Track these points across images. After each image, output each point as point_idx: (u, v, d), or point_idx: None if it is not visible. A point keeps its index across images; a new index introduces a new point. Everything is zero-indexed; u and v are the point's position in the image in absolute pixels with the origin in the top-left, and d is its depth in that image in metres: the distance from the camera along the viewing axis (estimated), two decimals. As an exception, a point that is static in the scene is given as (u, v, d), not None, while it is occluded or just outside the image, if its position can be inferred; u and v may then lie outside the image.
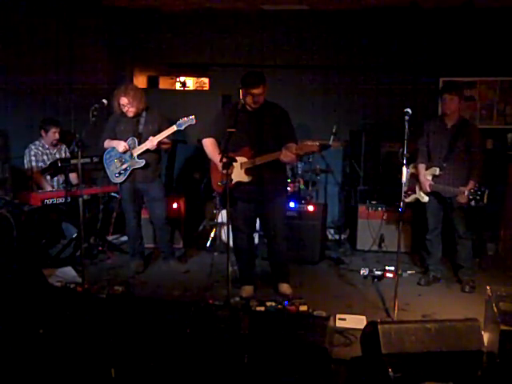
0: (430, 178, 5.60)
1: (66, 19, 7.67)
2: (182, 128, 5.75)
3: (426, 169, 5.65)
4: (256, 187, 5.06)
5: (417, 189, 5.79)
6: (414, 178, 5.82)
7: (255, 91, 4.91)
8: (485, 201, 5.16)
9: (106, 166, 6.08)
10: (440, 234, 5.80)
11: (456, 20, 7.60)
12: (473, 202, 5.19)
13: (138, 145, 5.87)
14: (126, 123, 5.97)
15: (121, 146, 5.88)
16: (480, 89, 7.79)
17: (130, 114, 5.89)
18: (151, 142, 5.77)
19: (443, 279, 5.90)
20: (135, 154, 5.87)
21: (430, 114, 7.73)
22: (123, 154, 5.92)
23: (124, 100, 5.80)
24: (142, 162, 5.87)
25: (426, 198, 5.69)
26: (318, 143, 4.73)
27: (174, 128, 5.75)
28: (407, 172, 4.84)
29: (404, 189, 5.77)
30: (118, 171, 5.97)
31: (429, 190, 5.58)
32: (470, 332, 3.63)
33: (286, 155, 4.76)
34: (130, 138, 5.90)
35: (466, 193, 5.20)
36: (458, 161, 5.49)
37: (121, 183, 6.03)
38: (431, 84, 7.92)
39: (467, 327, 3.66)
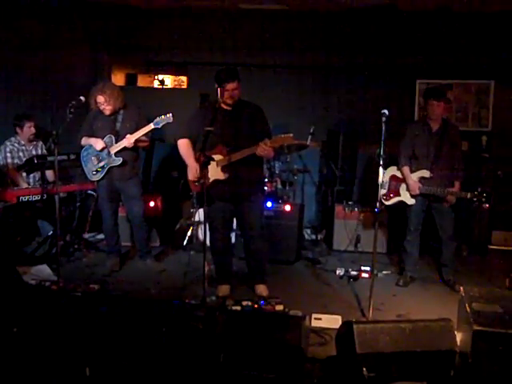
0: (416, 180, 5.67)
1: (43, 15, 7.59)
2: (160, 126, 5.75)
3: (411, 171, 5.71)
4: (232, 186, 5.07)
5: (401, 191, 5.81)
6: (395, 180, 5.87)
7: (230, 86, 4.92)
8: (491, 202, 5.36)
9: (83, 163, 6.05)
10: (419, 235, 5.87)
11: (433, 23, 7.66)
12: (476, 204, 5.39)
13: (116, 142, 5.85)
14: (104, 121, 5.94)
15: (98, 143, 5.85)
16: (456, 91, 7.88)
17: (107, 112, 5.87)
18: (128, 140, 5.76)
19: (418, 279, 5.96)
20: (112, 152, 5.85)
21: (406, 115, 7.86)
22: (100, 152, 5.89)
23: (100, 98, 5.78)
24: (119, 160, 5.85)
25: (412, 201, 5.73)
26: (291, 134, 4.76)
27: (151, 126, 5.75)
28: (383, 173, 4.86)
29: (383, 191, 5.85)
30: (95, 169, 5.94)
31: (418, 192, 5.64)
32: (444, 332, 3.67)
33: (262, 149, 4.78)
34: (108, 136, 5.88)
35: (469, 195, 5.35)
36: (444, 162, 5.64)
37: (98, 181, 6.00)
38: (408, 86, 8.01)
39: (441, 327, 3.70)
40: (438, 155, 5.64)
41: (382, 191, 5.91)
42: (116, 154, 5.86)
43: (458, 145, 5.77)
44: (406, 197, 5.78)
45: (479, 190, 5.35)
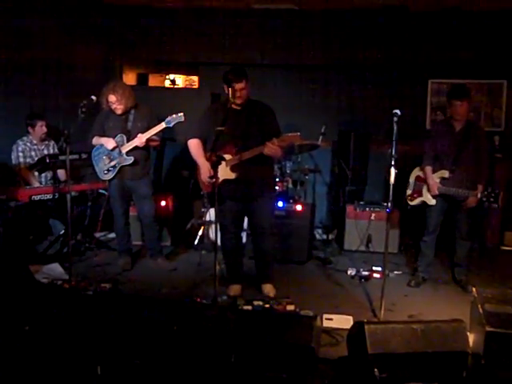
0: (437, 180, 5.61)
1: (55, 15, 7.62)
2: (171, 125, 5.76)
3: (434, 171, 5.65)
4: (243, 185, 5.06)
5: (424, 191, 5.76)
6: (420, 180, 5.82)
7: (238, 86, 4.91)
8: (499, 203, 5.27)
9: (94, 162, 6.06)
10: (436, 237, 5.82)
11: (446, 22, 7.63)
12: (486, 204, 5.31)
13: (127, 142, 5.86)
14: (115, 120, 5.95)
15: (109, 143, 5.87)
16: (468, 91, 7.82)
17: (119, 112, 5.88)
18: (140, 139, 5.77)
19: (430, 280, 5.93)
20: (124, 151, 5.86)
21: (418, 115, 7.85)
22: (112, 151, 5.90)
23: (112, 97, 5.79)
24: (130, 159, 5.86)
25: (433, 201, 5.66)
26: (298, 133, 4.75)
27: (162, 125, 5.75)
28: (395, 173, 4.81)
29: (408, 191, 5.84)
30: (106, 168, 5.96)
31: (437, 192, 5.57)
32: (456, 333, 3.65)
33: (269, 148, 4.76)
34: (119, 135, 5.89)
35: (479, 195, 5.30)
36: (466, 163, 5.54)
37: (109, 180, 6.02)
38: (420, 85, 7.98)
39: (453, 328, 3.68)
40: (459, 156, 5.53)
41: (408, 191, 5.91)
42: (127, 153, 5.86)
43: (484, 146, 5.59)
44: (427, 197, 5.71)
45: (489, 189, 5.30)
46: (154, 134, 5.81)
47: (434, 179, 5.62)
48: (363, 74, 8.14)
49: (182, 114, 5.72)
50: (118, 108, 5.85)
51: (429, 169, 5.67)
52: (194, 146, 5.22)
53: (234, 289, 5.41)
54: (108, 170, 5.96)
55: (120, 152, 5.88)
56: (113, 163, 5.92)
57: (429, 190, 5.67)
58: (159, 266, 6.28)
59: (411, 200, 5.88)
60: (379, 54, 7.91)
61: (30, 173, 6.64)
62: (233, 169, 5.01)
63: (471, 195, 5.39)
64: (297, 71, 8.40)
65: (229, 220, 5.27)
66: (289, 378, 3.55)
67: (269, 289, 5.40)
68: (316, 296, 5.45)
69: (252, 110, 5.10)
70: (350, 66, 8.13)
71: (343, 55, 8.07)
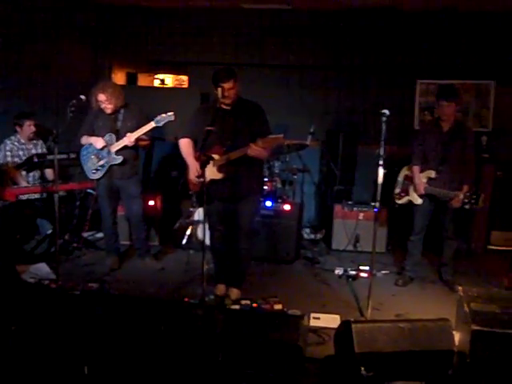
0: (424, 180, 5.63)
1: (44, 14, 7.59)
2: (161, 124, 5.75)
3: (421, 171, 5.68)
4: (229, 185, 5.04)
5: (410, 191, 5.80)
6: (409, 179, 5.86)
7: (225, 85, 4.88)
8: (480, 204, 5.28)
9: (82, 162, 6.04)
10: (423, 236, 5.85)
11: (434, 23, 7.67)
12: (467, 206, 5.29)
13: (116, 141, 5.85)
14: (104, 119, 5.94)
15: (99, 142, 5.85)
16: (456, 91, 7.86)
17: (108, 111, 5.87)
18: (129, 139, 5.76)
19: (417, 279, 5.96)
20: (113, 151, 5.85)
21: (406, 115, 7.88)
22: (101, 151, 5.89)
23: (102, 97, 5.77)
24: (119, 159, 5.85)
25: (419, 201, 5.69)
26: (282, 135, 4.73)
27: (152, 124, 5.74)
28: (383, 173, 4.83)
29: (397, 190, 5.89)
30: (95, 167, 5.94)
31: (423, 192, 5.60)
32: (442, 332, 3.68)
33: (253, 149, 4.73)
34: (108, 135, 5.87)
35: (461, 196, 5.30)
36: (453, 164, 5.55)
37: (98, 179, 6.00)
38: (408, 86, 8.01)
39: (439, 327, 3.71)
40: (446, 156, 5.54)
41: (396, 190, 5.96)
42: (116, 152, 5.85)
43: (471, 147, 5.59)
44: (413, 197, 5.75)
45: (471, 191, 5.30)
46: (144, 134, 5.80)
47: (421, 179, 5.65)
48: (352, 74, 8.17)
49: (171, 113, 5.71)
50: (108, 107, 5.84)
51: (416, 168, 5.70)
52: (185, 145, 5.21)
53: (222, 288, 5.40)
54: (96, 170, 5.94)
55: (109, 151, 5.86)
56: (101, 162, 5.91)
57: (415, 190, 5.70)
58: (147, 266, 6.28)
59: (399, 199, 5.93)
60: (367, 54, 7.95)
61: (17, 172, 6.59)
62: (219, 169, 4.99)
63: (456, 196, 5.41)
64: (286, 71, 8.41)
65: (217, 220, 5.25)
66: (276, 377, 3.56)
67: (235, 294, 5.31)
68: (303, 295, 5.47)
69: (241, 110, 5.08)
70: (339, 66, 8.16)
71: (332, 55, 8.09)
